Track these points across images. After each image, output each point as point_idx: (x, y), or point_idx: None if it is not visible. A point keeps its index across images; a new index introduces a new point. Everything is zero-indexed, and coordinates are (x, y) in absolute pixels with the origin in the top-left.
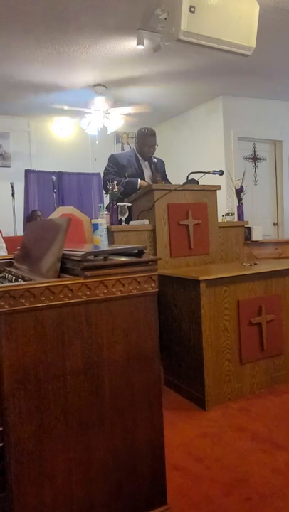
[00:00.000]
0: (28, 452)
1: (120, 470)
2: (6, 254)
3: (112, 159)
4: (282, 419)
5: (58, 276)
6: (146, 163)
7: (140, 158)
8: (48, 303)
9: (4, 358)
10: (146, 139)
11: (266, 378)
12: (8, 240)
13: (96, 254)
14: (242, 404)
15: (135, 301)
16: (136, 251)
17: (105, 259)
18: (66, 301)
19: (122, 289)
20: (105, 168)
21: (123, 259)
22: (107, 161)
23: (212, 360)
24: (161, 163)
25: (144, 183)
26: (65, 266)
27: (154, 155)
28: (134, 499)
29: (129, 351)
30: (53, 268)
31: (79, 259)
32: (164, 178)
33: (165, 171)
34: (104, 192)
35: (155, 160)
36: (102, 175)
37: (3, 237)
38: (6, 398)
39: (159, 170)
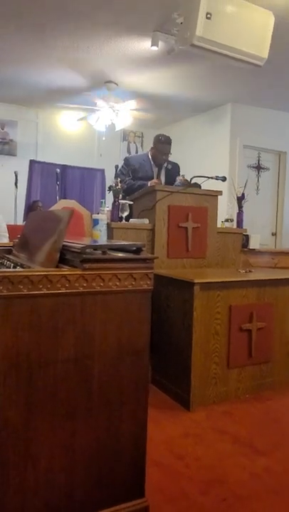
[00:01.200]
0: (14, 434)
1: (102, 460)
2: (7, 241)
3: (126, 161)
4: (264, 426)
5: (57, 267)
6: (157, 169)
7: (152, 163)
8: (45, 291)
9: None
10: (160, 147)
11: (252, 384)
12: (8, 228)
13: (95, 247)
14: (226, 407)
15: (130, 297)
16: (134, 248)
17: (104, 253)
18: (63, 290)
19: (118, 283)
20: (118, 170)
21: (121, 254)
22: (112, 158)
23: (200, 362)
24: (176, 167)
25: (153, 183)
26: (64, 257)
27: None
28: (114, 489)
29: (120, 345)
30: (52, 258)
31: (78, 251)
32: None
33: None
34: (107, 189)
35: (170, 166)
36: (106, 171)
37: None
38: None
39: (172, 175)
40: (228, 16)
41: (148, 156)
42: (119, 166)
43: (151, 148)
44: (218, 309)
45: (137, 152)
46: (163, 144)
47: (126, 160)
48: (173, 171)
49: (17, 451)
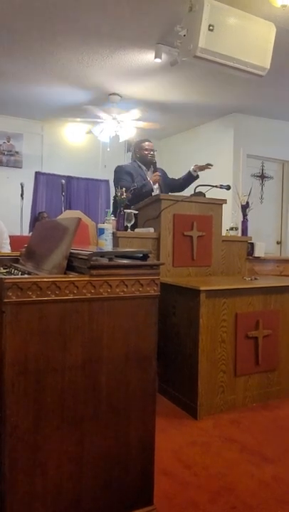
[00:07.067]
0: (22, 441)
1: (110, 466)
2: (9, 251)
3: (123, 169)
4: (273, 434)
5: (64, 274)
6: (149, 172)
7: (144, 167)
8: (53, 297)
9: (7, 348)
10: (143, 144)
11: (259, 392)
12: (14, 240)
13: (102, 254)
14: (233, 416)
15: (137, 303)
16: (141, 255)
17: (111, 260)
18: (71, 296)
19: (125, 289)
20: (117, 178)
21: (128, 261)
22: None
23: (207, 370)
24: (162, 172)
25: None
26: (72, 264)
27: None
28: (122, 497)
29: (127, 351)
30: (60, 265)
31: (86, 258)
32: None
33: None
34: (112, 200)
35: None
36: (111, 182)
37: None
38: (5, 387)
39: (163, 180)
40: (230, 28)
41: (137, 163)
42: (113, 177)
43: (136, 153)
44: (224, 317)
45: None
46: (144, 141)
47: (121, 168)
48: (163, 176)
49: (26, 457)
